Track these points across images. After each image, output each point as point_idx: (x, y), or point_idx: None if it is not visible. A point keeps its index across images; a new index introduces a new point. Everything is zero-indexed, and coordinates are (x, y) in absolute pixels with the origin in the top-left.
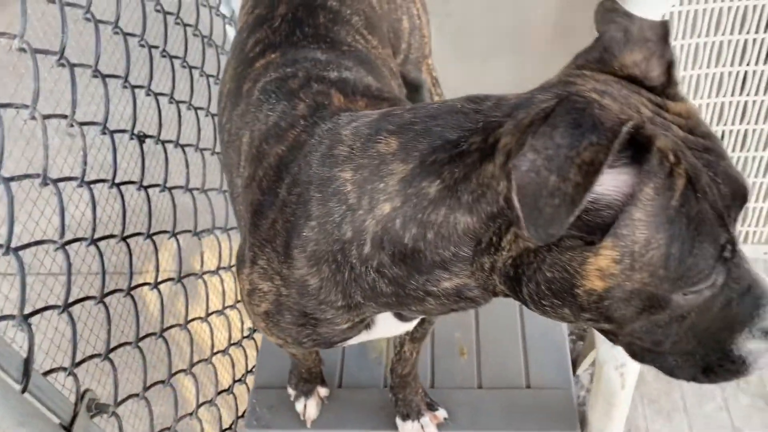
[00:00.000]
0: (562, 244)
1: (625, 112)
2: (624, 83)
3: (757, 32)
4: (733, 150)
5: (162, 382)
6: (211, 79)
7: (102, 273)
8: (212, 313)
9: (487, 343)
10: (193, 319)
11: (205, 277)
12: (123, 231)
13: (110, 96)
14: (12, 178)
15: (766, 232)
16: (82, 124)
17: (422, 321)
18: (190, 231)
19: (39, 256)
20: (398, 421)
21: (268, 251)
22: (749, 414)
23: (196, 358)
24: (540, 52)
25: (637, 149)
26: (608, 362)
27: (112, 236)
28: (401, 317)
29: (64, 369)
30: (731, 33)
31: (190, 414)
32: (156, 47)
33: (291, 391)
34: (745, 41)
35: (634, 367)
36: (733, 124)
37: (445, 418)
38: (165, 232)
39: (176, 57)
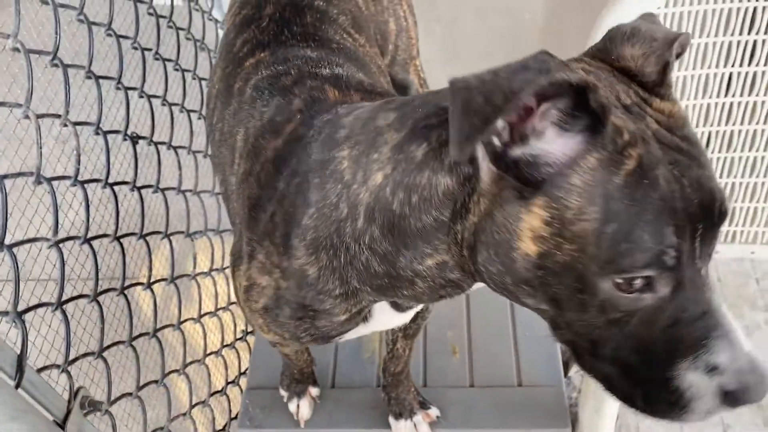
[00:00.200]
0: (504, 195)
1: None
2: (616, 73)
3: (741, 34)
4: (720, 151)
5: (155, 381)
6: (203, 83)
7: (95, 271)
8: (205, 314)
9: (479, 343)
10: (185, 320)
11: (198, 278)
12: (116, 231)
13: (103, 99)
14: (6, 176)
15: (753, 232)
16: (75, 123)
17: (416, 317)
18: (182, 232)
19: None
20: (391, 419)
21: (266, 245)
22: (739, 411)
23: (189, 360)
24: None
25: (594, 120)
26: None
27: (105, 236)
28: (397, 307)
29: (58, 366)
30: (716, 35)
31: (184, 414)
32: (149, 50)
33: (283, 393)
34: (730, 43)
35: None
36: (719, 125)
37: (437, 417)
38: (158, 232)
39: (169, 60)
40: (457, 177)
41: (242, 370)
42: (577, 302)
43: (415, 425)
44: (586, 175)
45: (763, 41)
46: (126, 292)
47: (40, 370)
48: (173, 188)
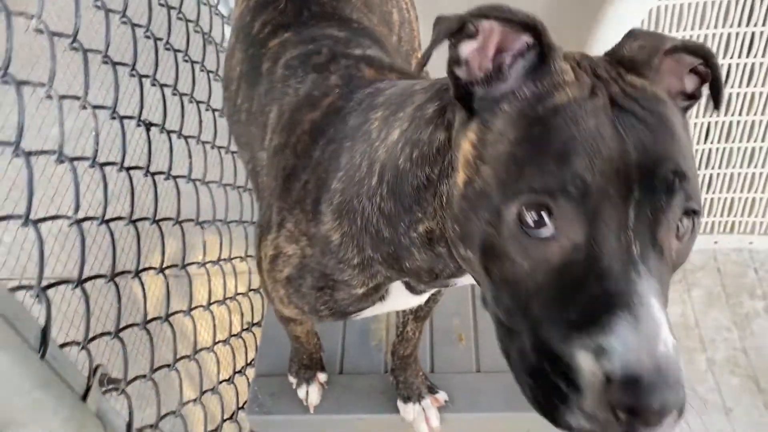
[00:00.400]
0: (459, 119)
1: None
2: (612, 61)
3: (740, 26)
4: (719, 141)
5: (168, 366)
6: (210, 75)
7: (113, 251)
8: (213, 302)
9: (485, 329)
10: (195, 307)
11: (207, 266)
12: (131, 214)
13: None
14: (30, 153)
15: (751, 222)
16: (94, 107)
17: (428, 299)
18: (192, 220)
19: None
20: (399, 403)
21: (296, 212)
22: (740, 395)
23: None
24: None
25: (541, 60)
26: None
27: (120, 218)
28: (412, 289)
29: (78, 343)
30: (715, 27)
31: (194, 400)
32: (160, 39)
33: (292, 379)
34: (729, 34)
35: None
36: (717, 116)
37: (445, 401)
38: (169, 219)
39: (179, 50)
40: (449, 134)
41: (248, 361)
42: (490, 246)
43: (423, 409)
44: (515, 103)
45: (761, 33)
46: (137, 281)
47: (60, 347)
48: (183, 176)
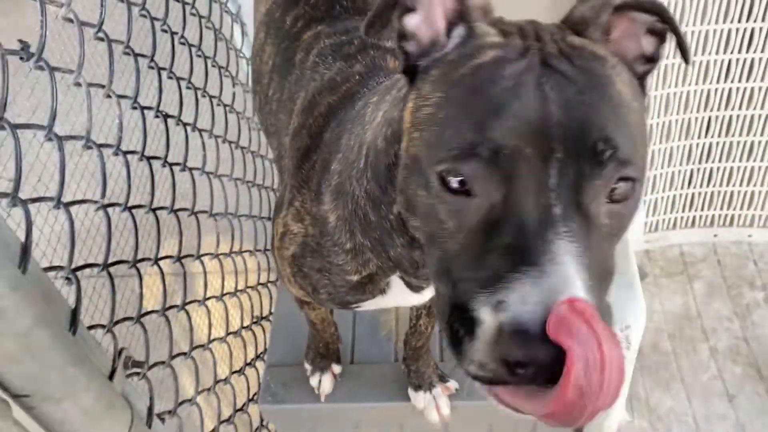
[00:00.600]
0: (405, 92)
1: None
2: (562, 26)
3: (740, 22)
4: (719, 135)
5: (184, 354)
6: (222, 71)
7: (135, 238)
8: (225, 294)
9: None
10: (209, 298)
11: (220, 258)
12: (151, 202)
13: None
14: (62, 137)
15: (750, 215)
16: (119, 96)
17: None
18: (206, 212)
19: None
20: (410, 392)
21: (304, 192)
22: (742, 382)
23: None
24: None
25: (468, 28)
26: (613, 325)
27: (141, 206)
28: (410, 287)
29: (103, 326)
30: (716, 23)
31: (208, 389)
32: (176, 33)
33: (308, 366)
34: (729, 30)
35: (638, 329)
36: (718, 110)
37: (456, 389)
38: (185, 209)
39: (193, 45)
40: None
41: (258, 353)
42: (425, 211)
43: (434, 397)
44: (441, 67)
45: (761, 29)
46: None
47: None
48: (198, 168)
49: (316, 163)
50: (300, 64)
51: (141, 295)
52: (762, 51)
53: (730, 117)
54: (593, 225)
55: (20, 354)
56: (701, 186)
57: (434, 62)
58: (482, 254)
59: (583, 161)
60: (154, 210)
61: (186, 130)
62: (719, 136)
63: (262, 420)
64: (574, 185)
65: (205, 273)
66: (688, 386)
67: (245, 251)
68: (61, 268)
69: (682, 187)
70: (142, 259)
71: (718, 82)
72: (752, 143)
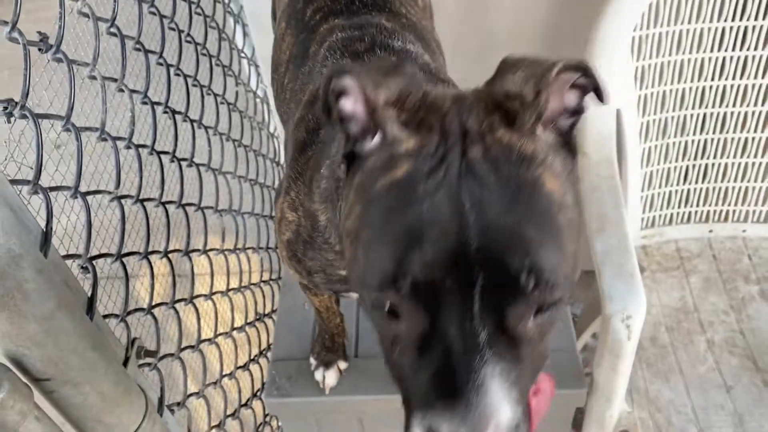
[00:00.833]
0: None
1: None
2: (492, 102)
3: (733, 20)
4: (714, 132)
5: (192, 347)
6: (225, 70)
7: (147, 230)
8: (231, 289)
9: None
10: (216, 292)
11: (226, 254)
12: (161, 196)
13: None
14: (79, 129)
15: (744, 211)
16: (132, 91)
17: None
18: (212, 207)
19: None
20: None
21: (299, 183)
22: (739, 374)
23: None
24: (528, 52)
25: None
26: (615, 315)
27: (151, 199)
28: None
29: (116, 316)
30: (710, 21)
31: (215, 383)
32: (182, 31)
33: (313, 360)
34: (723, 28)
35: (638, 320)
36: (713, 107)
37: None
38: (192, 204)
39: (198, 43)
40: None
41: (261, 349)
42: (367, 309)
43: None
44: (362, 175)
45: (754, 27)
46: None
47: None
48: (204, 164)
49: (311, 159)
50: (313, 56)
51: (152, 285)
52: (755, 49)
53: (725, 114)
54: (521, 340)
55: (43, 337)
56: (697, 182)
57: (362, 160)
58: (417, 371)
59: (507, 290)
60: (164, 204)
61: (193, 127)
62: (714, 132)
63: (265, 416)
64: (499, 309)
65: (211, 265)
66: (687, 377)
67: (248, 248)
68: (78, 256)
69: (677, 184)
70: (152, 252)
71: (712, 79)
72: (746, 140)
